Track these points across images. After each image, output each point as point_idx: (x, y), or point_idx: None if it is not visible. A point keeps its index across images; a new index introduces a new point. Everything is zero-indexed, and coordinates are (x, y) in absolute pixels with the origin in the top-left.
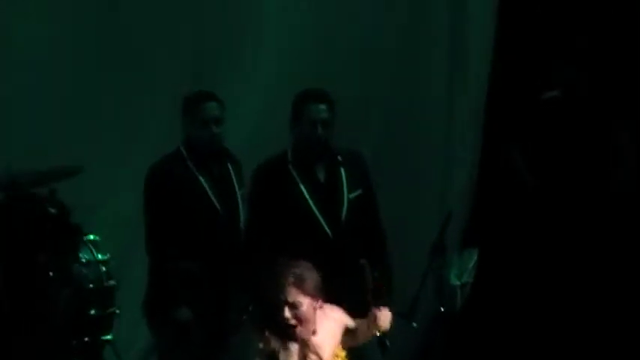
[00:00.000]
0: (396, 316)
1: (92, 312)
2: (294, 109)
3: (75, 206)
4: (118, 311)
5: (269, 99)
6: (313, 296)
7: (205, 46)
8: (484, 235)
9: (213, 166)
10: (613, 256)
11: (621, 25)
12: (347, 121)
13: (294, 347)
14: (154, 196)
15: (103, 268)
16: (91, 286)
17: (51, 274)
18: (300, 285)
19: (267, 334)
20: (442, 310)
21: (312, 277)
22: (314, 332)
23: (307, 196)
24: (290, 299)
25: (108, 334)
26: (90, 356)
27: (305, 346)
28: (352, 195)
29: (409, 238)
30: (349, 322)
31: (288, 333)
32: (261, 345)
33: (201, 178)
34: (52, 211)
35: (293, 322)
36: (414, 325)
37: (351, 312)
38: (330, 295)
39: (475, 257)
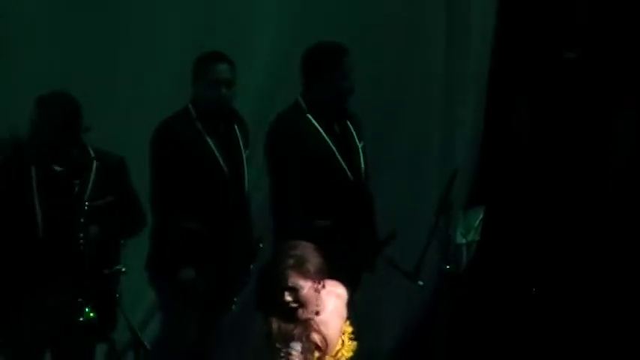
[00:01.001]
0: (401, 274)
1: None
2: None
3: None
4: (123, 269)
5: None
6: (314, 278)
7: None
8: (490, 193)
9: (221, 127)
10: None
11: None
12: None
13: (297, 329)
14: (160, 154)
15: None
16: None
17: None
18: (299, 268)
19: (269, 317)
20: (448, 268)
21: (313, 259)
22: (317, 313)
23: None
24: (290, 283)
25: (114, 292)
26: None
27: (308, 327)
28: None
29: (414, 198)
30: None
31: (289, 315)
32: (263, 327)
33: (208, 138)
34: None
35: (294, 305)
36: (420, 283)
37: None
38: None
39: (481, 215)
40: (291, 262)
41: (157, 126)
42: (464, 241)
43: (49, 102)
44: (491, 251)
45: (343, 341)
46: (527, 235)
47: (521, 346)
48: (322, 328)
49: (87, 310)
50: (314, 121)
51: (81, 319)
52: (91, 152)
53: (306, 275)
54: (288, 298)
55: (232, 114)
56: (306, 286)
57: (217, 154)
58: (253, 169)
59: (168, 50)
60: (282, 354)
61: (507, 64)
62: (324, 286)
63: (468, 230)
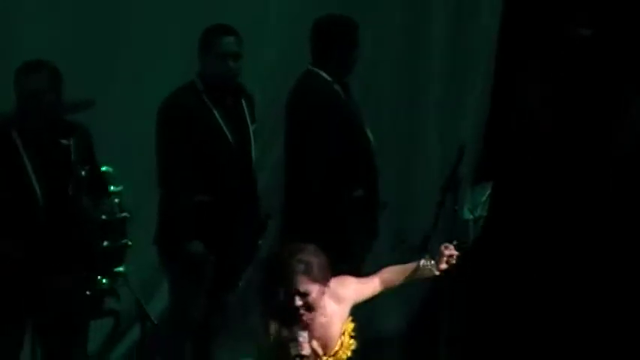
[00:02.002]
0: (409, 249)
1: (105, 244)
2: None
3: None
4: (130, 243)
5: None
6: (321, 281)
7: None
8: (498, 168)
9: (228, 101)
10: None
11: None
12: None
13: (304, 334)
14: (167, 127)
15: (116, 200)
16: (103, 217)
17: None
18: (308, 273)
19: (273, 324)
20: (455, 244)
21: (318, 261)
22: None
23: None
24: (301, 289)
25: (120, 267)
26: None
27: (309, 330)
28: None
29: (421, 172)
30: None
31: (296, 320)
32: (270, 332)
33: (215, 111)
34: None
35: (302, 310)
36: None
37: None
38: None
39: (488, 191)
40: (301, 267)
41: (163, 100)
42: (471, 217)
43: (31, 68)
44: (498, 227)
45: (342, 342)
46: (535, 211)
47: (527, 322)
48: (322, 332)
49: (99, 278)
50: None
51: (88, 292)
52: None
53: (315, 279)
54: (299, 302)
55: (239, 88)
56: (314, 290)
57: (224, 127)
58: (259, 146)
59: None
60: (291, 346)
61: (516, 39)
62: (328, 287)
63: (475, 206)
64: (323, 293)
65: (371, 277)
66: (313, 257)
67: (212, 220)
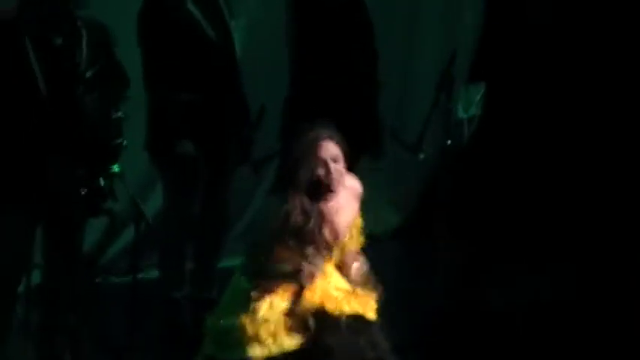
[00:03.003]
0: (403, 147)
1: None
2: None
3: None
4: (125, 143)
5: None
6: (343, 152)
7: None
8: (491, 67)
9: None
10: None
11: None
12: None
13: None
14: (147, 28)
15: None
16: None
17: None
18: (335, 140)
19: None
20: (449, 142)
21: (338, 133)
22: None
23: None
24: (331, 154)
25: (115, 165)
26: (98, 186)
27: (322, 217)
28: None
29: (417, 72)
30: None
31: (323, 195)
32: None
33: (193, 7)
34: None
35: (334, 175)
36: (421, 156)
37: None
38: None
39: (482, 90)
40: (329, 133)
41: (142, 3)
42: (465, 115)
43: None
44: (492, 125)
45: (352, 234)
46: (528, 111)
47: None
48: (333, 218)
49: (96, 176)
50: None
51: (83, 191)
52: (78, 21)
53: (340, 147)
54: (332, 166)
55: None
56: (341, 158)
57: (202, 23)
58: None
59: None
60: (304, 262)
61: None
62: (346, 164)
63: (469, 105)
64: (345, 168)
65: None
66: (334, 129)
67: (199, 118)
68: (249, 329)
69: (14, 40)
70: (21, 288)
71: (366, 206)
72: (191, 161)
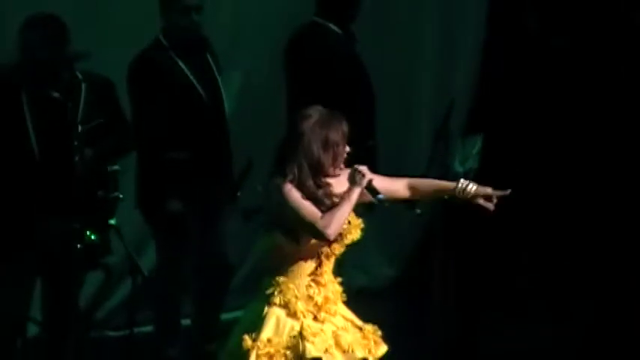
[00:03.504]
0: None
1: (99, 193)
2: None
3: None
4: (121, 196)
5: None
6: None
7: None
8: (488, 120)
9: (194, 55)
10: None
11: None
12: None
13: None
14: (137, 86)
15: None
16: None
17: None
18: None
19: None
20: (445, 197)
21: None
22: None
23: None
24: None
25: (112, 219)
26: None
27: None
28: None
29: (411, 125)
30: None
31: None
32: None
33: (183, 66)
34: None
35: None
36: (418, 211)
37: None
38: None
39: (479, 143)
40: (338, 115)
41: (130, 60)
42: (462, 169)
43: (36, 22)
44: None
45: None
46: (525, 164)
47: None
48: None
49: (88, 233)
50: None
51: (79, 245)
52: (79, 75)
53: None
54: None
55: (203, 41)
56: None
57: (194, 81)
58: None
59: None
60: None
61: None
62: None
63: (465, 158)
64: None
65: (401, 179)
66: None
67: (189, 175)
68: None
69: (9, 94)
70: (18, 342)
71: (362, 261)
72: (181, 218)
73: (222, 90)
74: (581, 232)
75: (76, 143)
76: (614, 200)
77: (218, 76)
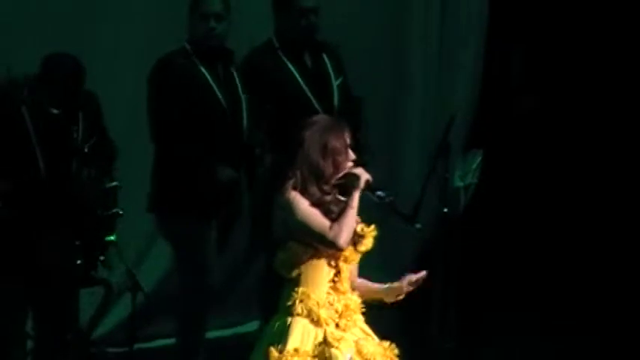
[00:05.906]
0: (399, 217)
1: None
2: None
3: None
4: (121, 212)
5: None
6: None
7: None
8: (488, 136)
9: (217, 65)
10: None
11: None
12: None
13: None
14: (160, 89)
15: None
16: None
17: None
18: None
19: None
20: (445, 211)
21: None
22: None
23: (300, 80)
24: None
25: (111, 235)
26: (94, 256)
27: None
28: (337, 82)
29: (411, 141)
30: None
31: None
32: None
33: (205, 72)
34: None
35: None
36: (418, 226)
37: None
38: None
39: (479, 158)
40: (342, 122)
41: (154, 63)
42: (461, 184)
43: (58, 64)
44: (488, 194)
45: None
46: (525, 179)
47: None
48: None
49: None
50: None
51: (79, 261)
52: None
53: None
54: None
55: (228, 54)
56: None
57: (215, 89)
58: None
59: None
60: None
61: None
62: None
63: (465, 173)
64: None
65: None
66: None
67: (210, 181)
68: None
69: (13, 113)
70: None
71: (362, 275)
72: (199, 230)
73: (244, 103)
74: (581, 251)
75: (78, 162)
76: (614, 213)
77: (241, 91)
